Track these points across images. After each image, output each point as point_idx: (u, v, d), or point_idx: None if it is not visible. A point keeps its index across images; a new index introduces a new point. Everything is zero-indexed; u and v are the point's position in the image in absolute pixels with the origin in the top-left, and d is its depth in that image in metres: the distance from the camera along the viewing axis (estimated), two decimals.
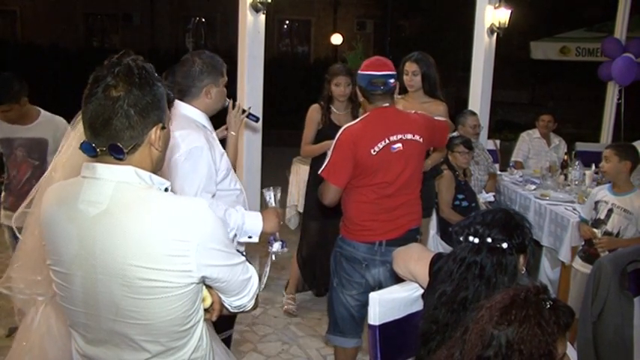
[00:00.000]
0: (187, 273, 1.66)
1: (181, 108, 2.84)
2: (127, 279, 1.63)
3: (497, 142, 7.71)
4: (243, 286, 1.87)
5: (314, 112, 4.91)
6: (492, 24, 6.64)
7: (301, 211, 6.96)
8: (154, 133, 1.69)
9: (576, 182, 5.84)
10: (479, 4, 6.69)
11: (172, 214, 1.65)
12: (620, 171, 4.29)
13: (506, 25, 6.74)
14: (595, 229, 4.31)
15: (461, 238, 2.33)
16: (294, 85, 14.60)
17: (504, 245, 2.23)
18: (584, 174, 5.90)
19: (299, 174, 6.85)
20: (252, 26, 5.25)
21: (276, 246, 3.00)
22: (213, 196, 2.79)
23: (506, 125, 14.28)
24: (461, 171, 5.20)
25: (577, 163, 6.04)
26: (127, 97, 1.61)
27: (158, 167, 1.77)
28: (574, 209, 5.12)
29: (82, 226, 1.66)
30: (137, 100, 1.63)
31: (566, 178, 6.06)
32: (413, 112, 3.58)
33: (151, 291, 1.64)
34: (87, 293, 1.70)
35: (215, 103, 2.96)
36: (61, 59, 15.42)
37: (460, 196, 5.09)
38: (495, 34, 6.70)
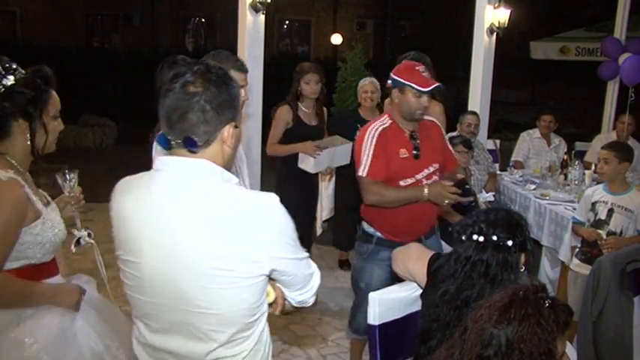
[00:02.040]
0: (259, 264, 1.71)
1: None
2: (200, 269, 1.68)
3: (497, 141, 7.71)
4: (307, 281, 1.92)
5: (284, 112, 4.95)
6: (492, 24, 6.64)
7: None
8: (227, 131, 1.75)
9: (576, 182, 5.84)
10: (478, 4, 6.70)
11: (246, 207, 1.71)
12: (619, 172, 4.29)
13: (506, 25, 6.74)
14: (599, 231, 4.30)
15: (463, 237, 2.33)
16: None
17: (509, 243, 2.25)
18: (584, 174, 5.90)
19: None
20: (251, 26, 5.27)
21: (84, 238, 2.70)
22: None
23: (506, 125, 14.30)
24: (461, 171, 5.19)
25: (577, 162, 6.04)
26: (204, 94, 1.69)
27: (228, 164, 1.81)
28: (574, 209, 5.11)
29: (156, 218, 1.72)
30: (213, 97, 1.70)
31: (566, 178, 6.06)
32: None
33: (222, 281, 1.69)
34: (157, 283, 1.74)
35: None
36: (61, 59, 15.43)
37: None
38: (495, 33, 6.70)
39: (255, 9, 5.23)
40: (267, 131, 5.21)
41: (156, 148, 2.48)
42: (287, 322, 4.95)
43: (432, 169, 3.53)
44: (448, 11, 16.14)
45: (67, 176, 2.63)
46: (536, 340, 1.64)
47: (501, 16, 6.68)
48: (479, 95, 6.70)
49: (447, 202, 3.36)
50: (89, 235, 2.67)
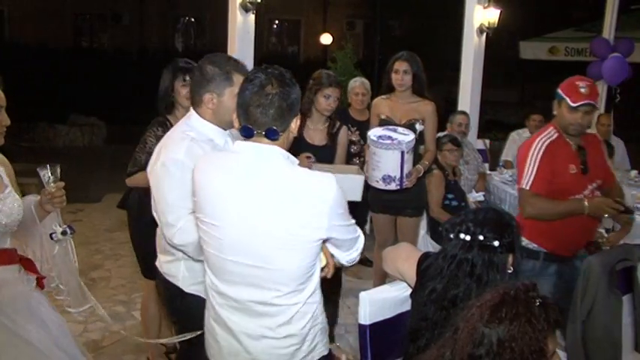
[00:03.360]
0: (320, 230, 2.12)
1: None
2: (273, 234, 2.10)
3: (487, 141, 7.73)
4: (354, 243, 2.33)
5: None
6: (482, 24, 6.68)
7: None
8: (294, 123, 2.19)
9: None
10: (468, 4, 6.74)
11: (312, 183, 2.13)
12: None
13: (496, 25, 6.78)
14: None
15: (451, 236, 2.34)
16: None
17: (495, 243, 2.26)
18: None
19: None
20: (241, 26, 5.26)
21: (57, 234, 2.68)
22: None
23: (495, 125, 14.33)
24: (450, 170, 5.20)
25: None
26: (281, 94, 2.10)
27: (288, 148, 2.21)
28: None
29: (237, 191, 2.11)
30: (287, 96, 2.11)
31: None
32: None
33: (290, 244, 2.11)
34: (236, 244, 2.14)
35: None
36: (49, 59, 15.39)
37: (450, 196, 5.10)
38: (485, 34, 6.74)
39: (245, 9, 5.22)
40: None
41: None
42: None
43: (595, 185, 3.50)
44: (438, 11, 16.14)
45: (42, 172, 2.61)
46: (528, 339, 1.65)
47: (491, 16, 6.71)
48: (469, 95, 6.72)
49: (606, 215, 3.40)
50: (64, 232, 2.68)
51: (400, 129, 4.23)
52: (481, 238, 2.27)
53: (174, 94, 3.62)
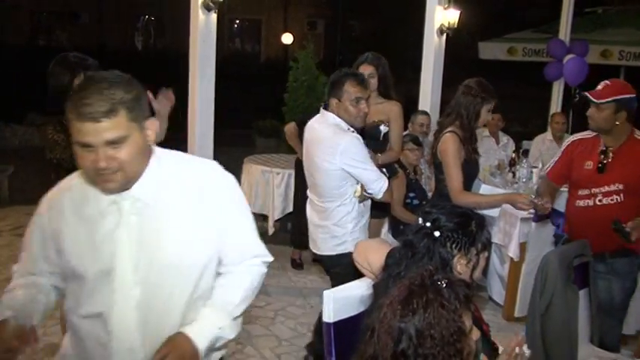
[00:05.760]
0: (335, 163, 3.60)
1: None
2: (316, 164, 3.70)
3: None
4: (374, 180, 3.62)
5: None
6: (442, 24, 6.72)
7: (253, 211, 6.95)
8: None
9: (524, 180, 5.95)
10: (428, 5, 6.77)
11: (332, 135, 3.62)
12: None
13: (456, 26, 6.84)
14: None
15: (420, 219, 2.34)
16: (245, 84, 14.55)
17: (436, 233, 2.24)
18: (532, 171, 6.03)
19: (251, 174, 6.85)
20: (203, 26, 5.20)
21: None
22: None
23: None
24: (411, 169, 5.25)
25: (524, 161, 6.18)
26: None
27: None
28: None
29: None
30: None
31: (514, 176, 6.18)
32: None
33: (325, 170, 3.65)
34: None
35: None
36: (5, 58, 15.06)
37: (411, 195, 5.14)
38: (445, 34, 6.79)
39: (207, 8, 5.15)
40: (219, 132, 5.16)
41: None
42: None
43: (613, 188, 3.55)
44: (399, 12, 16.27)
45: None
46: (445, 322, 1.66)
47: (451, 17, 6.77)
48: (429, 95, 6.76)
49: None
50: None
51: None
52: (428, 224, 2.26)
53: None
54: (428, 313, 1.67)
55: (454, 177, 3.79)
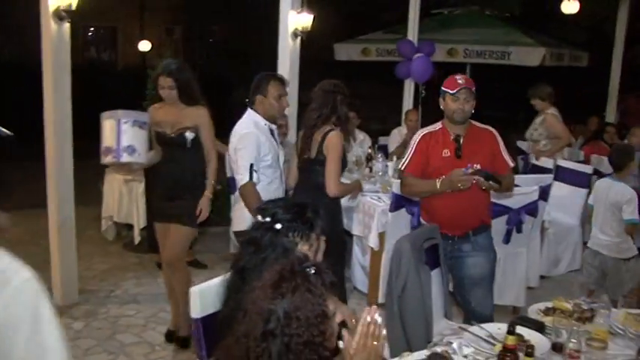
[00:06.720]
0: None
1: None
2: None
3: None
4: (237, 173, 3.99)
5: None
6: (296, 28, 6.90)
7: (117, 220, 6.86)
8: None
9: (380, 173, 6.28)
10: (282, 9, 6.91)
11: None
12: None
13: (309, 29, 7.04)
14: None
15: (259, 216, 2.49)
16: (101, 93, 14.11)
17: (277, 226, 2.40)
18: (387, 165, 6.38)
19: (113, 183, 6.74)
20: (56, 35, 5.02)
21: None
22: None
23: None
24: None
25: (380, 156, 6.53)
26: None
27: None
28: (379, 198, 5.53)
29: None
30: None
31: (371, 171, 6.50)
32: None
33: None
34: None
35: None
36: None
37: None
38: (299, 37, 6.97)
39: (59, 17, 4.97)
40: (77, 144, 5.03)
41: None
42: (111, 332, 4.88)
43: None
44: (256, 16, 16.37)
45: None
46: (310, 306, 1.84)
47: (305, 20, 6.96)
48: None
49: (460, 185, 3.75)
50: None
51: None
52: (268, 219, 2.42)
53: None
54: (295, 296, 1.83)
55: (336, 171, 4.31)
